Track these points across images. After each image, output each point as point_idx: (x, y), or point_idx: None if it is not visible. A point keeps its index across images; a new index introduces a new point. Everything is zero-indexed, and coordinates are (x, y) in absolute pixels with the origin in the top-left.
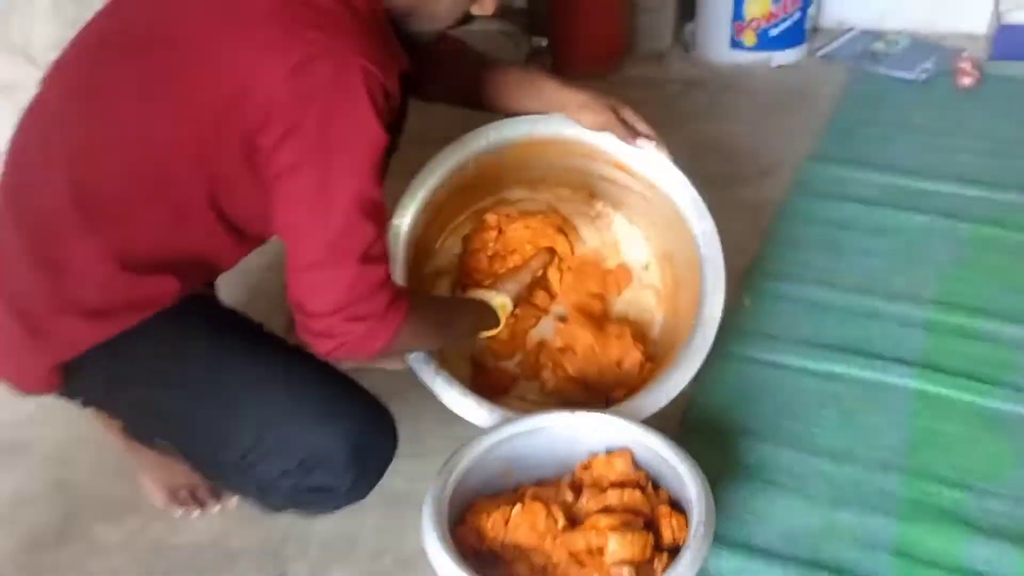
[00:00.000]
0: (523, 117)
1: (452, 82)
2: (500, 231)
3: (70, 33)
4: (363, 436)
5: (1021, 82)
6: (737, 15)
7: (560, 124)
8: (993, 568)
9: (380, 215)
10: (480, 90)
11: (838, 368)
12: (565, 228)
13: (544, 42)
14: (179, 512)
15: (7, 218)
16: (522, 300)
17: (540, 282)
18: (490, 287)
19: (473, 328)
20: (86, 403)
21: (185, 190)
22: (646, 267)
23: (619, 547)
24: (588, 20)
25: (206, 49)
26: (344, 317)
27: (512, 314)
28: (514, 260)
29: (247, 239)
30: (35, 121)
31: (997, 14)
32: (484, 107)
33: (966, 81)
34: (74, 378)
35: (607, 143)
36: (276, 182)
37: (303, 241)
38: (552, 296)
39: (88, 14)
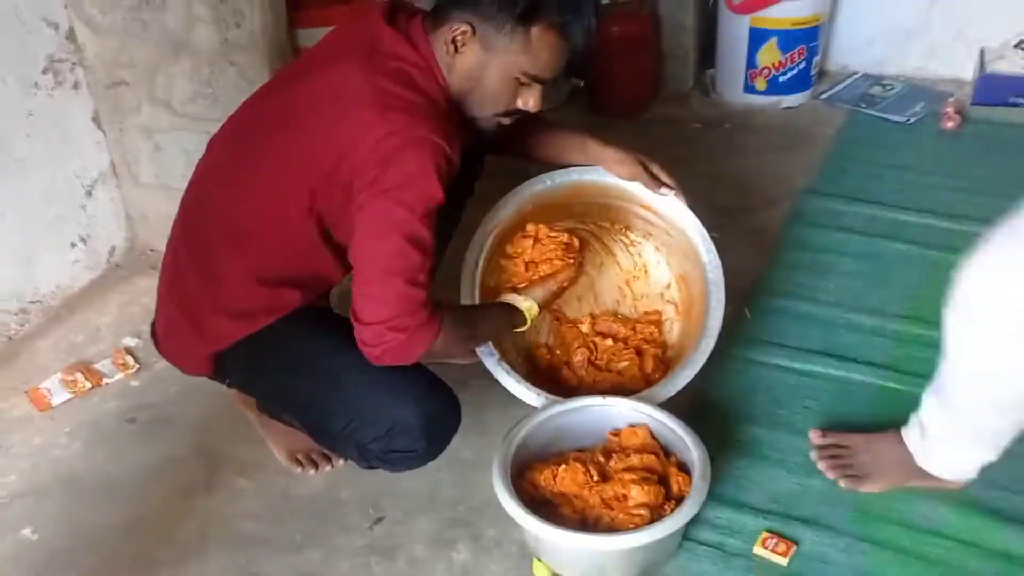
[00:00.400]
0: (572, 168)
1: (521, 143)
2: (537, 239)
3: (203, 89)
4: (433, 412)
5: (998, 125)
6: (751, 63)
7: (601, 174)
8: (937, 522)
9: (427, 251)
10: (541, 148)
11: (819, 368)
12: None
13: (581, 83)
14: (298, 470)
15: (181, 242)
16: (550, 304)
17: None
18: (522, 290)
19: (500, 329)
20: (230, 384)
21: (300, 227)
22: (668, 286)
23: (639, 495)
24: (621, 65)
25: (323, 131)
26: (389, 327)
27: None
28: (545, 268)
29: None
30: (203, 175)
31: (981, 63)
32: (543, 161)
33: (949, 124)
34: (223, 364)
35: (638, 189)
36: (356, 215)
37: (365, 264)
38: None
39: (218, 76)
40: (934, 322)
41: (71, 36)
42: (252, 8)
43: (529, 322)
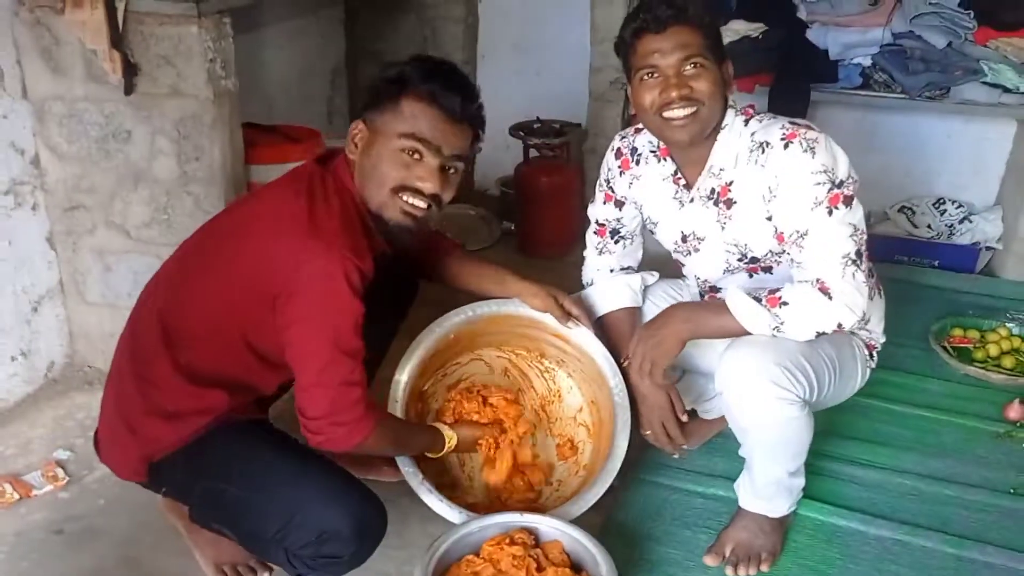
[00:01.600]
0: (492, 300)
1: (448, 272)
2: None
3: (159, 216)
4: (363, 518)
5: (885, 280)
6: None
7: (517, 306)
8: None
9: (356, 355)
10: (464, 278)
11: (720, 492)
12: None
13: (512, 226)
14: None
15: (125, 347)
16: (468, 446)
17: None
18: (451, 425)
19: (424, 446)
20: (166, 493)
21: (227, 332)
22: (580, 410)
23: None
24: (547, 211)
25: (253, 249)
26: (329, 423)
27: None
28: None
29: (273, 366)
30: (150, 287)
31: (869, 224)
32: (466, 290)
33: None
34: (160, 472)
35: (550, 320)
36: (285, 331)
37: (302, 370)
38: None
39: (175, 204)
40: (835, 450)
41: (35, 161)
42: (212, 144)
43: (445, 449)
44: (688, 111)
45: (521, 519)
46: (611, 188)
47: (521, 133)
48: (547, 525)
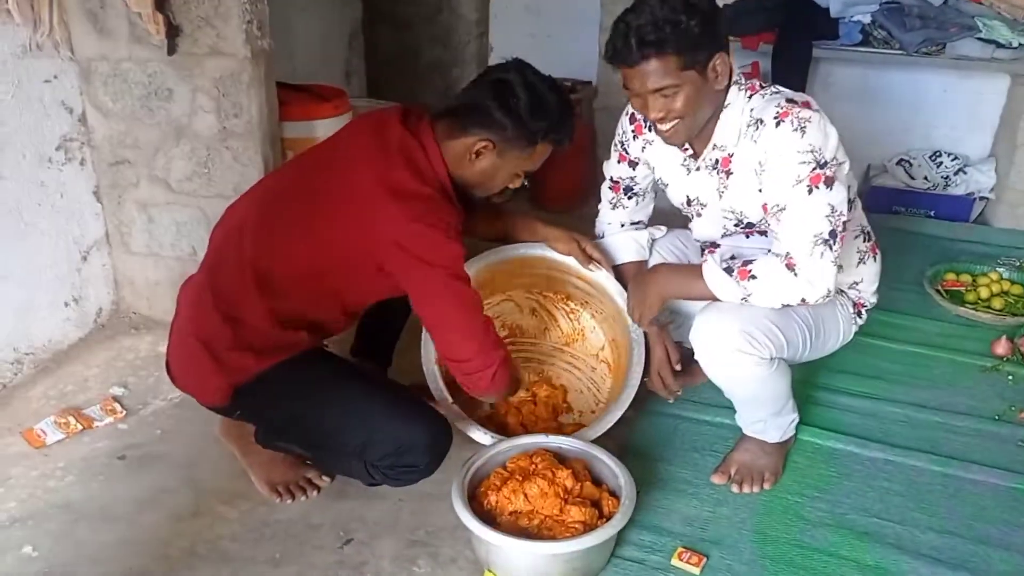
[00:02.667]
0: (521, 244)
1: (478, 224)
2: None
3: (200, 169)
4: (436, 432)
5: (885, 230)
6: None
7: (543, 249)
8: (822, 542)
9: (479, 304)
10: (494, 228)
11: (725, 420)
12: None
13: (526, 182)
14: (277, 499)
15: (205, 286)
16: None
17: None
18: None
19: (522, 383)
20: (239, 416)
21: (324, 287)
22: (602, 348)
23: (576, 513)
24: (560, 167)
25: (354, 220)
26: (480, 362)
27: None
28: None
29: (353, 316)
30: (231, 228)
31: (867, 177)
32: (499, 239)
33: None
34: (236, 397)
35: (574, 263)
36: (403, 282)
37: (437, 319)
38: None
39: (215, 158)
40: (833, 382)
41: (83, 119)
42: (250, 101)
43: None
44: (670, 125)
45: (546, 440)
46: (625, 150)
47: None
48: (569, 445)
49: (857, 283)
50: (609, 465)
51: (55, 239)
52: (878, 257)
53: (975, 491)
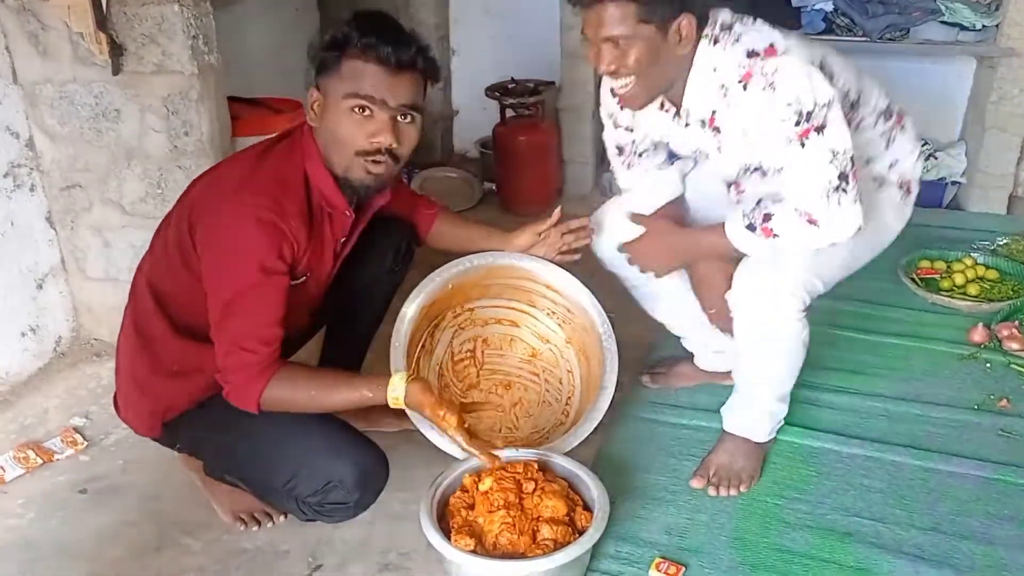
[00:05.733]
0: (487, 252)
1: (434, 236)
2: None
3: (153, 190)
4: (365, 467)
5: None
6: None
7: (510, 258)
8: (802, 544)
9: (251, 315)
10: (451, 239)
11: (702, 422)
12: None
13: (493, 186)
14: (242, 527)
15: (127, 314)
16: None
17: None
18: (415, 381)
19: (349, 402)
20: (180, 449)
21: (200, 292)
22: (571, 359)
23: (548, 532)
24: (527, 170)
25: (198, 216)
26: (221, 378)
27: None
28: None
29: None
30: (143, 257)
31: None
32: (454, 250)
33: None
34: (175, 430)
35: (541, 271)
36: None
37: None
38: None
39: (167, 178)
40: (810, 379)
41: (31, 144)
42: (200, 118)
43: (390, 402)
44: (623, 83)
45: (516, 453)
46: (615, 121)
47: (497, 94)
48: (540, 455)
49: (895, 163)
50: (582, 478)
51: (8, 268)
52: (907, 124)
53: (956, 484)
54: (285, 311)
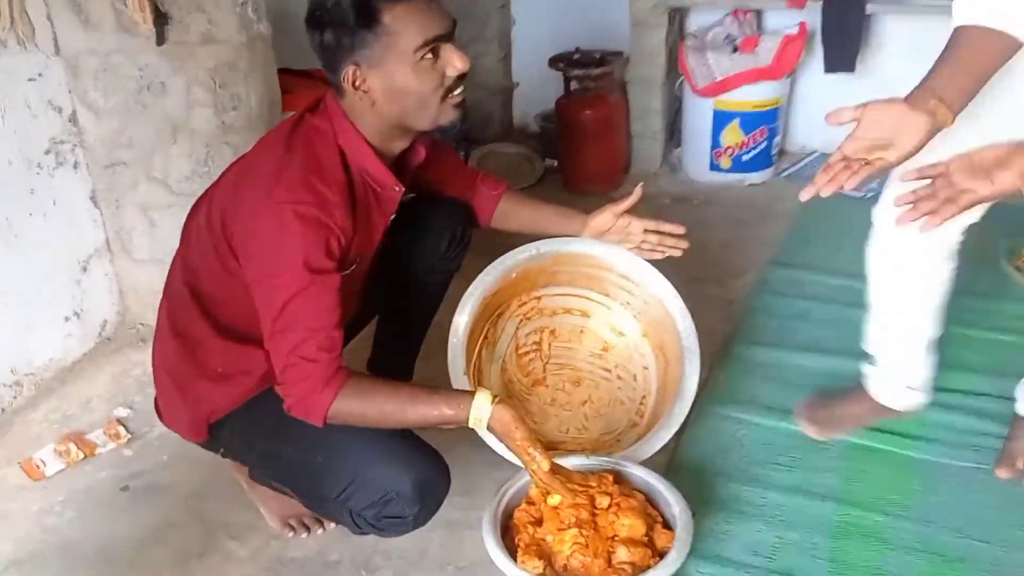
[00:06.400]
0: (556, 238)
1: (499, 216)
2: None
3: (199, 168)
4: (426, 479)
5: None
6: (715, 143)
7: (581, 244)
8: (905, 571)
9: (302, 322)
10: (518, 220)
11: (789, 425)
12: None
13: (555, 163)
14: (290, 534)
15: (163, 313)
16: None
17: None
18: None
19: (425, 421)
20: (224, 453)
21: (240, 292)
22: (647, 354)
23: (625, 554)
24: (592, 146)
25: (230, 215)
26: (283, 391)
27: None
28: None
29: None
30: (177, 252)
31: None
32: (521, 232)
33: None
34: (217, 434)
35: (617, 260)
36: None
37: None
38: None
39: (215, 156)
40: None
41: (73, 119)
42: (249, 93)
43: (471, 423)
44: None
45: (588, 461)
46: None
47: (560, 65)
48: (614, 465)
49: None
50: (662, 492)
51: (50, 250)
52: None
53: None
54: (341, 311)
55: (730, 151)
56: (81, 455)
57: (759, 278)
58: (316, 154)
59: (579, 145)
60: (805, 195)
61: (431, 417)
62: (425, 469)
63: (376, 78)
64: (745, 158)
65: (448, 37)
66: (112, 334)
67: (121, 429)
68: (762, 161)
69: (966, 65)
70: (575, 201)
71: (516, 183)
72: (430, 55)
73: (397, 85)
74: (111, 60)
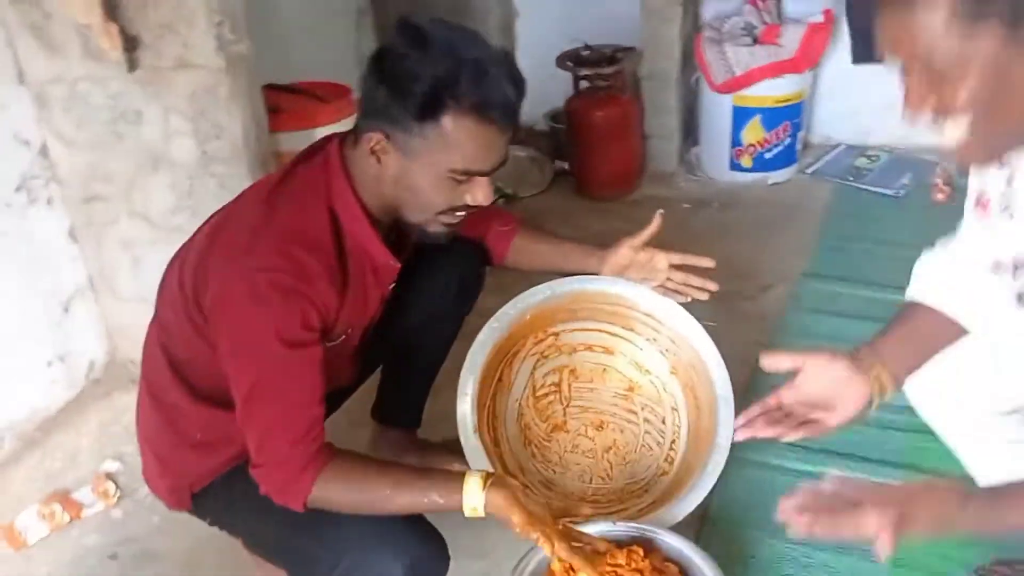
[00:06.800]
0: (575, 277)
1: (512, 255)
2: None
3: (183, 201)
4: (418, 560)
5: None
6: (735, 141)
7: (602, 283)
8: None
9: (280, 400)
10: (532, 258)
11: (831, 469)
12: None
13: (566, 166)
14: None
15: (142, 378)
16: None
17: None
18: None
19: (414, 508)
20: (211, 523)
21: (213, 358)
22: (675, 395)
23: None
24: (605, 147)
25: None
26: (257, 473)
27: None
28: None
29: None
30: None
31: None
32: (536, 271)
33: (940, 197)
34: (202, 503)
35: (641, 298)
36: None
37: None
38: None
39: (199, 188)
40: None
41: (44, 152)
42: (231, 120)
43: (466, 510)
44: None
45: (614, 528)
46: None
47: (569, 63)
48: (644, 532)
49: None
50: (696, 561)
51: (27, 292)
52: None
53: None
54: (323, 387)
55: (752, 149)
56: (67, 518)
57: (791, 292)
58: (302, 215)
59: (591, 148)
60: (740, 436)
61: (420, 505)
62: (420, 552)
63: (397, 161)
64: (768, 156)
65: (489, 173)
66: (101, 375)
67: (110, 486)
68: (786, 158)
69: (916, 342)
70: (588, 206)
71: (525, 189)
72: (462, 177)
73: (413, 181)
74: (79, 88)
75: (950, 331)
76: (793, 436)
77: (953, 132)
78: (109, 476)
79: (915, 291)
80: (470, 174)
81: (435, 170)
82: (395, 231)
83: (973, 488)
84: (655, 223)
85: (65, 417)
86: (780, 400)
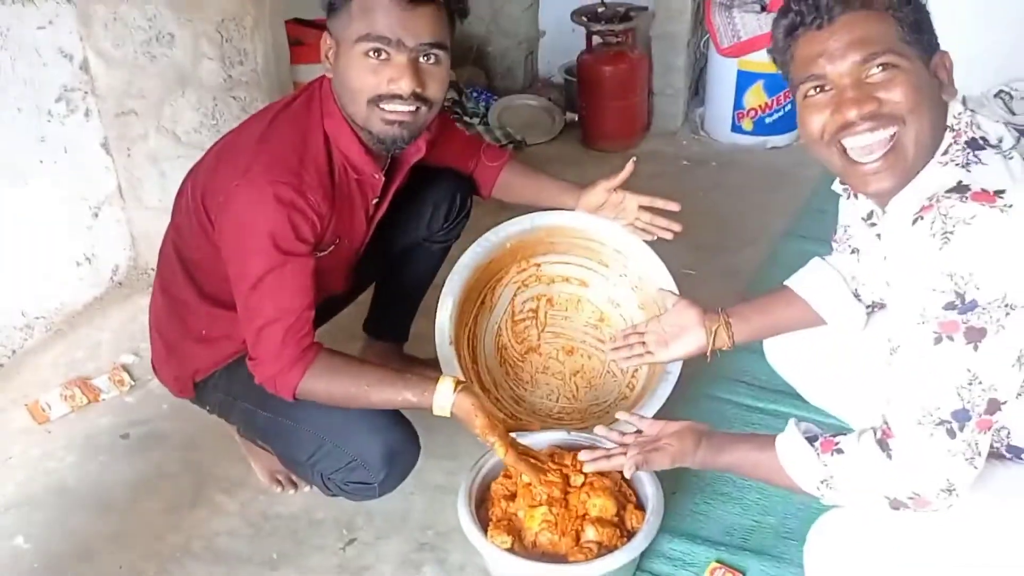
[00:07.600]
0: (553, 211)
1: (498, 187)
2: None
3: (207, 121)
4: (392, 448)
5: None
6: (738, 104)
7: (579, 219)
8: None
9: (272, 298)
10: (518, 191)
11: (782, 408)
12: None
13: (575, 117)
14: (278, 490)
15: (156, 274)
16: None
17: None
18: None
19: (390, 404)
20: (211, 411)
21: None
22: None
23: (593, 534)
24: (611, 103)
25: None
26: (253, 365)
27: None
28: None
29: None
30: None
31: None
32: (521, 204)
33: None
34: (204, 392)
35: (612, 235)
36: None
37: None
38: None
39: (222, 109)
40: None
41: (85, 67)
42: (255, 48)
43: (434, 409)
44: (879, 136)
45: (567, 436)
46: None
47: (583, 19)
48: (593, 441)
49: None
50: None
51: (62, 195)
52: None
53: None
54: (314, 292)
55: (753, 113)
56: (85, 400)
57: (770, 249)
58: (299, 134)
59: (599, 101)
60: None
61: (395, 402)
62: (392, 437)
63: (335, 56)
64: (768, 120)
65: (411, 48)
66: (124, 279)
67: (125, 376)
68: (785, 124)
69: (767, 316)
70: (592, 157)
71: (535, 137)
72: (373, 55)
73: (341, 68)
74: (120, 9)
75: (807, 317)
76: (631, 362)
77: (872, 137)
78: (125, 367)
79: (792, 279)
80: (375, 40)
81: (350, 46)
82: (391, 157)
83: (712, 434)
84: (628, 168)
85: (89, 313)
86: (645, 328)
